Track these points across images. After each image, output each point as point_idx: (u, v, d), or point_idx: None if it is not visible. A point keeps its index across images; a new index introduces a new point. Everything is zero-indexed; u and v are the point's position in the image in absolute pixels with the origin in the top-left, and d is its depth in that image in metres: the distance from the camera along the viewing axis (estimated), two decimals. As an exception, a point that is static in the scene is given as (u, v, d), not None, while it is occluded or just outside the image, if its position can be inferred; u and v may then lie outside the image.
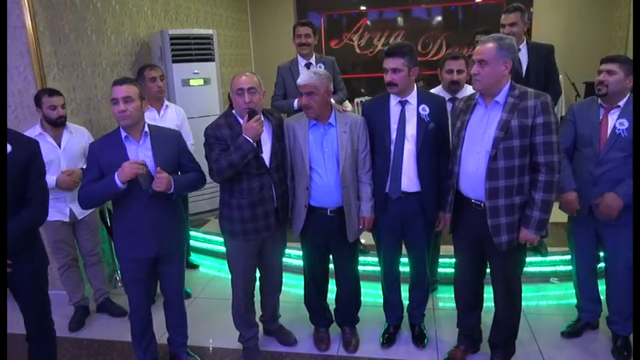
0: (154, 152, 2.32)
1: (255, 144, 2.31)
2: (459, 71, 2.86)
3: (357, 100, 6.41)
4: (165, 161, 2.33)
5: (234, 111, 2.44)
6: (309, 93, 2.39)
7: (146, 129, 2.35)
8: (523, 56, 3.19)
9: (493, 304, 2.46)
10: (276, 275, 2.75)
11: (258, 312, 2.86)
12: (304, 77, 2.41)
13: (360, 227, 2.59)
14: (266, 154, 2.43)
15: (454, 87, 2.83)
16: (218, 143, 2.36)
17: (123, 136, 2.30)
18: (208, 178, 2.49)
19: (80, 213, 3.05)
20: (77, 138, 3.07)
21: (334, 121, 2.49)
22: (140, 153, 2.31)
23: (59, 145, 2.98)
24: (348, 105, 3.51)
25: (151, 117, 3.26)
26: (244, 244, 2.50)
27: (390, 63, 2.41)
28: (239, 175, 2.39)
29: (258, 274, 2.74)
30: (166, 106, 3.42)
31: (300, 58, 3.62)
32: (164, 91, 3.44)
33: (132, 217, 2.33)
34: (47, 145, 2.91)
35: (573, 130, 2.56)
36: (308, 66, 3.56)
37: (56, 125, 2.94)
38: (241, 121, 2.37)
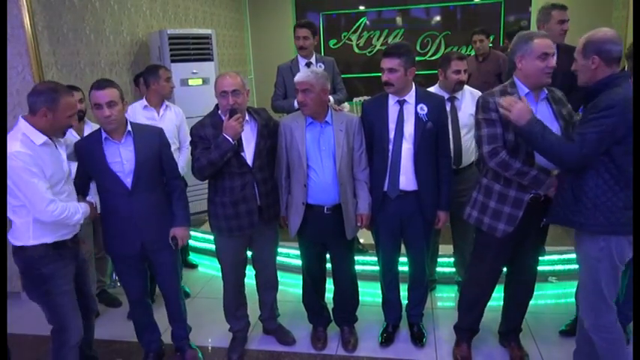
0: (135, 151, 2.35)
1: (234, 143, 2.33)
2: (465, 71, 2.87)
3: (355, 99, 6.41)
4: (147, 160, 2.36)
5: (219, 111, 2.46)
6: (305, 90, 2.41)
7: (129, 128, 2.36)
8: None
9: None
10: (268, 272, 2.76)
11: (258, 312, 2.88)
12: (301, 75, 2.44)
13: (358, 224, 2.60)
14: (249, 153, 2.45)
15: (459, 87, 2.85)
16: (201, 142, 2.41)
17: (103, 137, 2.32)
18: (193, 180, 2.54)
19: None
20: None
21: (330, 120, 2.51)
22: (122, 152, 2.33)
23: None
24: (346, 105, 3.52)
25: (151, 117, 3.26)
26: (230, 239, 2.55)
27: (386, 63, 2.43)
28: (221, 174, 2.43)
29: (253, 272, 2.77)
30: (166, 106, 3.43)
31: (300, 58, 3.64)
32: (172, 91, 3.48)
33: (115, 213, 2.38)
34: (70, 137, 2.97)
35: None
36: (308, 65, 3.57)
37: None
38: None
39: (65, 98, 2.12)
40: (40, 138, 2.09)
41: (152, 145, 2.40)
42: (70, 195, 2.24)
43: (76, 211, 2.18)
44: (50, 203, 2.04)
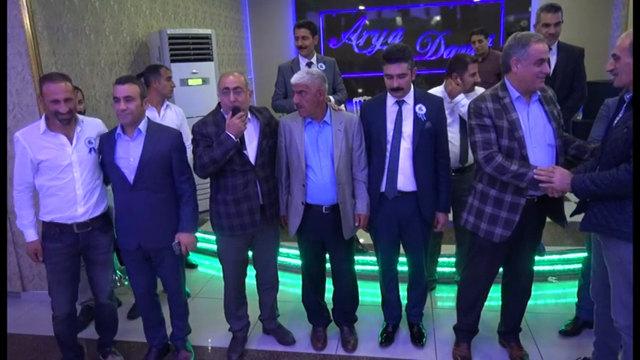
0: (143, 149, 2.37)
1: (237, 140, 2.34)
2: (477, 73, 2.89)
3: (355, 99, 6.41)
4: (152, 160, 2.37)
5: (222, 109, 2.47)
6: (301, 92, 2.42)
7: (141, 127, 2.38)
8: (552, 56, 3.18)
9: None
10: (269, 272, 2.76)
11: (258, 312, 2.88)
12: (297, 76, 2.44)
13: (356, 225, 2.60)
14: (252, 152, 2.46)
15: (472, 88, 2.86)
16: (203, 140, 2.42)
17: (116, 133, 2.39)
18: (197, 179, 2.54)
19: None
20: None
21: (329, 120, 2.51)
22: (131, 148, 2.37)
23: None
24: (341, 108, 3.52)
25: (152, 117, 3.24)
26: (231, 239, 2.55)
27: (395, 69, 2.40)
28: (224, 172, 2.44)
29: (254, 272, 2.77)
30: (167, 105, 3.43)
31: (301, 58, 3.64)
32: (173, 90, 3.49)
33: (119, 207, 2.47)
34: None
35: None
36: (309, 65, 3.58)
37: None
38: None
39: (47, 85, 2.26)
40: (43, 127, 2.34)
41: (163, 147, 2.40)
42: (72, 182, 2.36)
43: (20, 217, 2.42)
44: (15, 186, 2.38)
